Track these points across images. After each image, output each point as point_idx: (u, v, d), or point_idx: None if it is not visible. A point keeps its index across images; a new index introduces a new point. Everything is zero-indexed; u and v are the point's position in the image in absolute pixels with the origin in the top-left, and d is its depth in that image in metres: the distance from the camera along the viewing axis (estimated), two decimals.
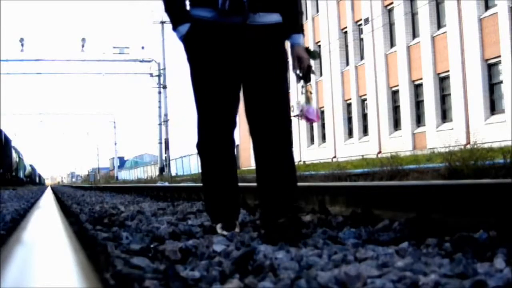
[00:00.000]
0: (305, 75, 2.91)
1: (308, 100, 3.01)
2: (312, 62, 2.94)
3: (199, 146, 2.88)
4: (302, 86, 3.00)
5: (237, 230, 2.72)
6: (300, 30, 2.88)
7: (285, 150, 2.79)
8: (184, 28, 2.74)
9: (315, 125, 32.59)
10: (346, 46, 31.44)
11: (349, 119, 31.54)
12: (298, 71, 2.90)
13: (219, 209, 2.84)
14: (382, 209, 2.91)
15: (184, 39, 2.77)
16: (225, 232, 2.62)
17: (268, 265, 1.73)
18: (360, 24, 29.91)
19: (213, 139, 2.82)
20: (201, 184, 3.07)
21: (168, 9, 2.79)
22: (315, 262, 1.77)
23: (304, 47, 2.88)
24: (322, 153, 32.61)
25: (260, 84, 2.76)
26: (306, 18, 33.68)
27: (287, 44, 2.89)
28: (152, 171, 55.72)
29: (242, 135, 38.64)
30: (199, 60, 2.78)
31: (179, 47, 2.85)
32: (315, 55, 2.97)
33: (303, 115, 3.00)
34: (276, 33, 2.78)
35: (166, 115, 39.47)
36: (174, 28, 2.78)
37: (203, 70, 2.77)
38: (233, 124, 2.84)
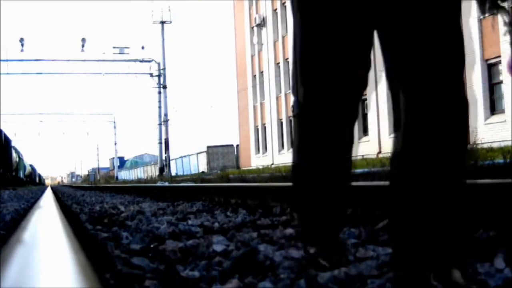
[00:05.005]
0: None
1: None
2: None
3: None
4: (505, 23, 1.91)
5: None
6: None
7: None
8: None
9: None
10: None
11: None
12: None
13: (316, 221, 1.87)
14: (382, 209, 2.91)
15: None
16: (323, 262, 1.71)
17: (268, 265, 1.73)
18: None
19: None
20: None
21: None
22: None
23: None
24: None
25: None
26: None
27: None
28: (152, 171, 55.75)
29: (242, 135, 38.61)
30: None
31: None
32: None
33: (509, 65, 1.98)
34: None
35: (166, 115, 39.52)
36: None
37: None
38: None
